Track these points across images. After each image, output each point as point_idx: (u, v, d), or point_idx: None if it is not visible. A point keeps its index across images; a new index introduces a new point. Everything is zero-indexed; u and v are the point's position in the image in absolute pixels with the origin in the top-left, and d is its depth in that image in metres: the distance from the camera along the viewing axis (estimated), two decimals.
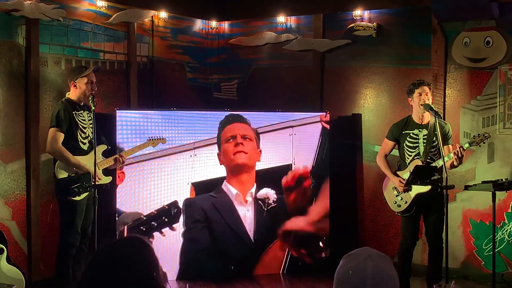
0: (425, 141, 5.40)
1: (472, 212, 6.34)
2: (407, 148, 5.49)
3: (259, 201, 6.12)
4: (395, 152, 5.69)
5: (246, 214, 6.06)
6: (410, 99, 5.50)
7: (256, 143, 6.10)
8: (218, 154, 6.08)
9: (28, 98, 5.87)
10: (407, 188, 5.35)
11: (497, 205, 5.35)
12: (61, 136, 5.19)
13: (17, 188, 5.80)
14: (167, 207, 5.81)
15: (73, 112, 5.28)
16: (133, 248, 2.04)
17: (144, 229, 5.77)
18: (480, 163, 6.27)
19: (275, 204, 6.10)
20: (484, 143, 5.32)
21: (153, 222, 5.77)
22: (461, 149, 5.16)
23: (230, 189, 6.09)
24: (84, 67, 5.58)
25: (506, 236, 6.14)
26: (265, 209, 6.06)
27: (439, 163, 5.19)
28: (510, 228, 6.12)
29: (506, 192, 5.63)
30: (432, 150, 5.37)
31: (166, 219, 5.76)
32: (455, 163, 5.25)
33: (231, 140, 6.06)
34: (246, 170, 6.12)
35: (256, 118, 6.37)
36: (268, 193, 6.11)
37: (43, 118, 5.88)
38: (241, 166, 6.07)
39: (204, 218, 5.93)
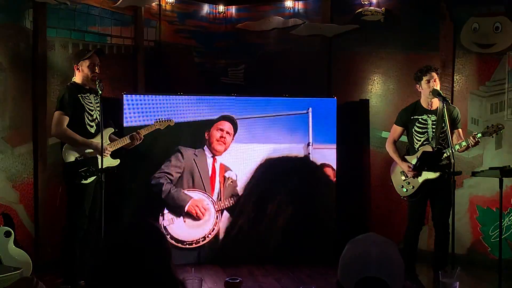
0: (434, 126, 5.38)
1: (479, 198, 6.33)
2: (415, 133, 5.47)
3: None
4: (404, 138, 5.67)
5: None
6: (418, 85, 5.47)
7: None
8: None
9: (35, 82, 5.88)
10: (417, 173, 5.34)
11: (504, 191, 5.32)
12: (66, 119, 5.18)
13: (25, 172, 5.82)
14: None
15: (79, 96, 5.26)
16: (152, 233, 2.04)
17: None
18: (488, 150, 6.25)
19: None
20: (497, 134, 5.28)
21: None
22: (476, 137, 5.13)
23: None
24: (87, 51, 5.56)
25: None
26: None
27: (448, 151, 5.17)
28: None
29: None
30: (441, 135, 5.36)
31: None
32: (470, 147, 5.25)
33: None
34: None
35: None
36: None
37: (50, 102, 5.89)
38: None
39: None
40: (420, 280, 5.58)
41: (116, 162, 5.45)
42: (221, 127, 6.35)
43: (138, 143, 5.57)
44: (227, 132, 6.35)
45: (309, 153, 6.48)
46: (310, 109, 6.49)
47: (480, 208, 6.32)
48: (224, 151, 6.35)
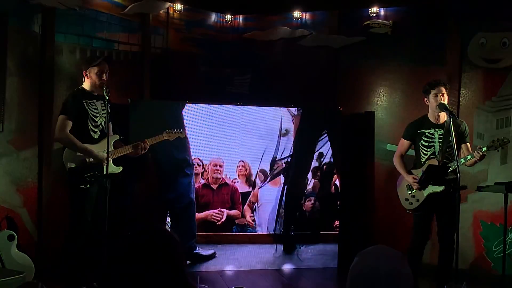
0: (441, 140, 5.37)
1: (483, 213, 6.31)
2: (422, 147, 5.46)
3: None
4: (412, 152, 5.65)
5: None
6: (425, 98, 5.46)
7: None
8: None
9: (42, 86, 5.90)
10: (421, 186, 5.33)
11: (509, 207, 5.31)
12: (69, 124, 5.18)
13: (29, 176, 5.82)
14: None
15: (84, 101, 5.27)
16: (165, 238, 2.01)
17: None
18: (493, 165, 6.23)
19: None
20: (502, 148, 5.27)
21: None
22: (481, 151, 5.11)
23: None
24: (97, 57, 5.58)
25: None
26: None
27: (454, 164, 5.14)
28: None
29: None
30: (448, 150, 5.34)
31: None
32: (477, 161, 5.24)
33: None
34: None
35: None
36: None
37: (57, 107, 5.87)
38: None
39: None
40: None
41: (119, 169, 5.42)
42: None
43: (143, 153, 5.54)
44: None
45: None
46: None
47: (484, 223, 6.31)
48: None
